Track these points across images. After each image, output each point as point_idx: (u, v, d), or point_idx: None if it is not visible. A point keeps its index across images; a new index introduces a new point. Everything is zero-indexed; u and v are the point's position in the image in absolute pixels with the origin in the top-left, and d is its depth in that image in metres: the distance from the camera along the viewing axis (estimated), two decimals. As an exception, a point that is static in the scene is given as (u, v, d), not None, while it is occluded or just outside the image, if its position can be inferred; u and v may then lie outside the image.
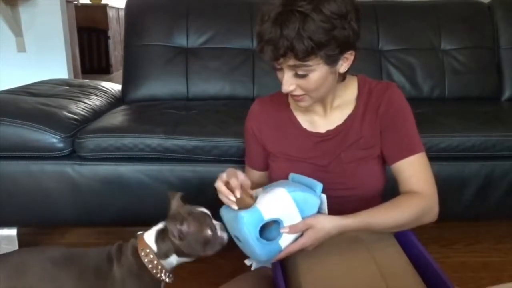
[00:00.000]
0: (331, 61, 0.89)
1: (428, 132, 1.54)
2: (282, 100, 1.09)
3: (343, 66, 0.93)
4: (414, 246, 0.90)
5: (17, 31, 2.92)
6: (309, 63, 0.87)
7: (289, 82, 0.91)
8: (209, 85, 1.99)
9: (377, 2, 2.16)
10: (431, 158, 1.51)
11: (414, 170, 0.97)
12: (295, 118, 1.06)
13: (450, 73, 2.06)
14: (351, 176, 1.00)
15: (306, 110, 1.04)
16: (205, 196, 1.52)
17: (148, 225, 1.81)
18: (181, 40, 2.03)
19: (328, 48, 0.86)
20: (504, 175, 1.58)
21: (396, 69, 2.05)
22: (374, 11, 2.10)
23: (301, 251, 0.88)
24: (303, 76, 0.89)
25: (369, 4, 2.14)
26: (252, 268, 1.16)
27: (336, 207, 0.91)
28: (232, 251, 1.74)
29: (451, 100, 2.03)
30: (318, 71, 0.89)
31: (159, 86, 1.98)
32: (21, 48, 2.97)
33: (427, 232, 1.83)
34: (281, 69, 0.91)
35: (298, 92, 0.93)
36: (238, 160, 1.41)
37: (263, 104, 1.10)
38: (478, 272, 1.60)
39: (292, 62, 0.87)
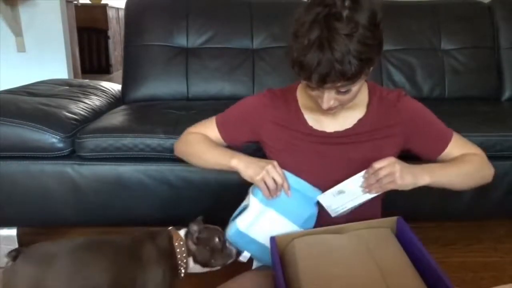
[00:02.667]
0: (370, 70, 0.90)
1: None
2: (292, 96, 1.09)
3: (370, 71, 0.93)
4: (414, 245, 0.90)
5: (17, 31, 2.92)
6: (354, 83, 0.88)
7: (329, 99, 0.91)
8: (209, 85, 1.98)
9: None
10: (431, 158, 1.53)
11: (459, 148, 1.05)
12: (302, 115, 1.06)
13: (450, 73, 2.06)
14: None
15: (314, 108, 1.04)
16: (205, 196, 1.53)
17: (147, 225, 1.82)
18: (181, 40, 2.02)
19: (374, 60, 0.87)
20: (504, 175, 1.58)
21: (396, 69, 2.05)
22: (374, 11, 2.09)
23: (303, 253, 0.88)
24: (345, 92, 0.90)
25: (369, 4, 2.13)
26: (253, 267, 1.16)
27: None
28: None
29: (451, 100, 2.03)
30: (358, 83, 0.90)
31: (159, 86, 1.98)
32: (21, 48, 2.97)
33: (427, 232, 1.84)
34: (318, 88, 0.89)
35: (336, 104, 0.93)
36: (238, 160, 1.41)
37: (274, 98, 1.09)
38: (478, 272, 1.60)
39: (340, 83, 0.86)
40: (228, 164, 1.01)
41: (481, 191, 1.57)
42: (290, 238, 0.93)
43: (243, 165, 0.98)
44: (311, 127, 1.04)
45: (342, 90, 0.88)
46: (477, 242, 1.80)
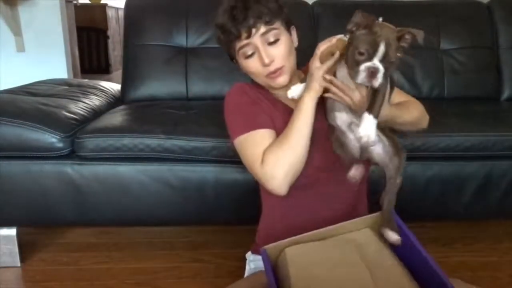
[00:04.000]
0: (287, 26, 1.04)
1: (427, 132, 1.53)
2: (261, 87, 1.11)
3: (295, 38, 1.08)
4: (413, 246, 0.90)
5: (17, 30, 2.92)
6: (275, 26, 1.00)
7: (266, 53, 1.00)
8: (209, 85, 1.98)
9: (376, 2, 2.15)
10: (430, 158, 1.53)
11: (399, 94, 1.09)
12: (279, 100, 1.08)
13: (449, 73, 2.06)
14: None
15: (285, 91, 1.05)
16: (204, 196, 1.53)
17: (147, 225, 1.82)
18: (180, 40, 2.03)
19: (283, 14, 1.02)
20: (503, 175, 1.58)
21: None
22: (373, 11, 2.09)
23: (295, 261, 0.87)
24: (275, 42, 1.00)
25: (369, 4, 2.14)
26: (246, 273, 1.16)
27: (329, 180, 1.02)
28: (231, 251, 1.75)
29: (450, 100, 2.03)
30: (284, 36, 1.02)
31: (159, 86, 1.98)
32: (21, 48, 2.96)
33: (426, 232, 1.85)
34: (253, 54, 1.01)
35: (278, 62, 1.01)
36: (238, 161, 1.41)
37: (248, 88, 1.10)
38: (477, 272, 1.60)
39: (262, 29, 0.99)
40: (306, 111, 0.95)
41: (480, 191, 1.59)
42: (281, 247, 0.91)
43: (308, 95, 0.95)
44: (289, 108, 1.04)
45: (271, 39, 1.00)
46: (476, 242, 1.80)
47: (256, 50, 1.01)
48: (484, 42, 2.11)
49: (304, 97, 0.96)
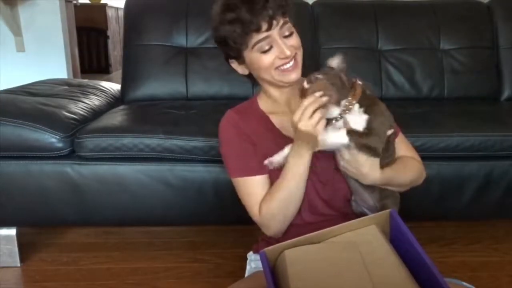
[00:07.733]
0: (294, 24, 1.03)
1: (427, 132, 1.55)
2: (255, 106, 1.10)
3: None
4: (408, 241, 0.89)
5: (17, 30, 2.92)
6: (288, 19, 1.00)
7: (285, 46, 0.98)
8: (209, 85, 1.99)
9: (376, 2, 2.16)
10: (430, 158, 1.53)
11: (405, 146, 1.08)
12: (271, 122, 1.07)
13: (449, 73, 2.06)
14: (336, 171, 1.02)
15: (281, 109, 1.06)
16: (204, 196, 1.53)
17: (147, 225, 1.82)
18: (180, 40, 2.03)
19: (291, 9, 1.01)
20: (503, 175, 1.58)
21: (395, 69, 2.05)
22: (373, 11, 2.09)
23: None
24: (290, 35, 1.00)
25: (369, 4, 2.13)
26: (246, 273, 1.15)
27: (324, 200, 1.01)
28: (231, 251, 1.75)
29: (450, 100, 2.03)
30: (294, 30, 1.02)
31: (159, 86, 1.98)
32: (20, 48, 2.96)
33: (426, 232, 1.85)
34: (270, 48, 0.98)
35: (293, 53, 1.00)
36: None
37: (239, 113, 1.09)
38: (477, 272, 1.60)
39: (281, 21, 0.97)
40: (303, 164, 0.96)
41: (480, 191, 1.59)
42: (280, 249, 0.91)
43: (298, 149, 0.94)
44: (281, 133, 1.04)
45: (286, 32, 0.99)
46: (477, 242, 1.80)
47: (274, 44, 0.98)
48: (484, 42, 2.11)
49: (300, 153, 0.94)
